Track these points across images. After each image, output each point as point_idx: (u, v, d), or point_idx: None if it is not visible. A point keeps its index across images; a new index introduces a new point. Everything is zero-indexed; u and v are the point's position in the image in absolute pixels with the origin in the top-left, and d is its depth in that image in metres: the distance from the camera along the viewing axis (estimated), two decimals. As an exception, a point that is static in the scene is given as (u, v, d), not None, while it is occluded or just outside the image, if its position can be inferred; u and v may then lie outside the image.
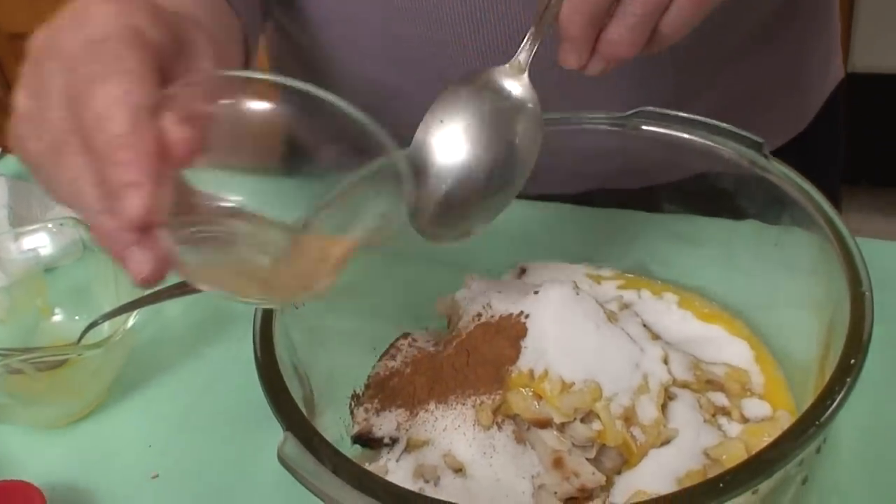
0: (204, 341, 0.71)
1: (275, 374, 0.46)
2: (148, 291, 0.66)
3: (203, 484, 0.61)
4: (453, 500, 0.50)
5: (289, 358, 0.50)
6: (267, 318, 0.49)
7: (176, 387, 0.68)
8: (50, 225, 0.71)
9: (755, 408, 0.53)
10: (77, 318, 0.70)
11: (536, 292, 0.54)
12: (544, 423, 0.51)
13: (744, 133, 0.53)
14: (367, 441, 0.56)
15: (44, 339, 0.71)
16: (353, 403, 0.58)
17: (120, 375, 0.68)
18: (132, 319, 0.64)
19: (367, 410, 0.57)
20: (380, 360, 0.59)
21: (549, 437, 0.50)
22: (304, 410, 0.45)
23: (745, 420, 0.53)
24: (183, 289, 0.66)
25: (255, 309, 0.50)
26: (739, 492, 0.37)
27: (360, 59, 0.77)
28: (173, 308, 0.74)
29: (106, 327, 0.67)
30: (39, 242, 0.71)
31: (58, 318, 0.72)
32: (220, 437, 0.64)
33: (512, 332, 0.53)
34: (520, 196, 0.67)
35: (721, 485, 0.37)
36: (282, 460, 0.42)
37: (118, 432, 0.65)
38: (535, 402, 0.51)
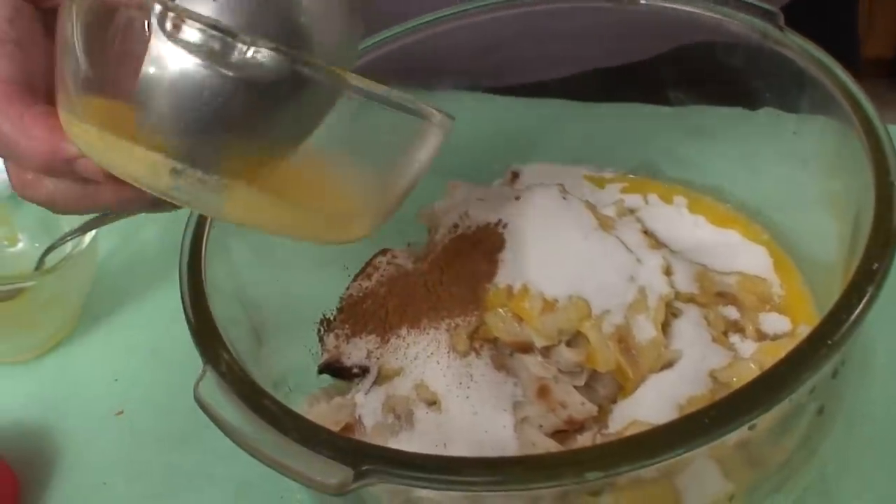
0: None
1: (198, 295, 0.40)
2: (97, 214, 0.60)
3: (170, 421, 0.56)
4: (425, 440, 0.44)
5: (228, 279, 0.44)
6: (200, 229, 0.43)
7: (146, 316, 0.63)
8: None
9: (773, 323, 0.46)
10: (38, 245, 0.65)
11: (518, 198, 0.47)
12: (526, 348, 0.44)
13: (754, 2, 0.45)
14: (337, 371, 0.50)
15: (6, 268, 0.65)
16: (322, 329, 0.52)
17: (88, 306, 0.63)
18: (88, 239, 0.58)
19: (337, 337, 0.51)
20: (354, 280, 0.53)
21: (533, 362, 0.44)
22: (232, 344, 0.39)
23: (761, 337, 0.46)
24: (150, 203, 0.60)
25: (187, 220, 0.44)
26: (730, 429, 0.31)
27: None
28: (147, 232, 0.68)
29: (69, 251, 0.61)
30: (-2, 167, 0.65)
31: (22, 245, 0.67)
32: (190, 371, 0.58)
33: (488, 243, 0.46)
34: (511, 92, 0.60)
35: (706, 420, 0.31)
36: (198, 400, 0.36)
37: (82, 366, 0.60)
38: (516, 324, 0.44)
